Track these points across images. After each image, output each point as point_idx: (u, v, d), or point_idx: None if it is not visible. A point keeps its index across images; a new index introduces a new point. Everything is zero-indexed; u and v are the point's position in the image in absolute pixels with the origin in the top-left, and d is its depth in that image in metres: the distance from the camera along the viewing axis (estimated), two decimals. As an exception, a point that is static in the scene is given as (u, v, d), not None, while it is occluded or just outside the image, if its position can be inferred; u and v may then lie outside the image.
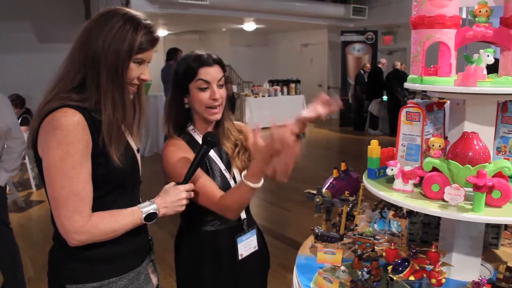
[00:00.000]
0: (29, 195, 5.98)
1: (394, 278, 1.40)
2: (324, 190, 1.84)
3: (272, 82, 12.20)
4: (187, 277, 1.69)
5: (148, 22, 1.29)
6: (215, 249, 1.61)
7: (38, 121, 1.22)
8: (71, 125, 1.17)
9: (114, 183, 1.30)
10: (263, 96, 11.43)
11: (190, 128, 1.64)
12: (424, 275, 1.43)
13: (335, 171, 1.92)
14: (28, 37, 8.76)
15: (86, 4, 8.98)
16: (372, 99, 10.32)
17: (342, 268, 1.61)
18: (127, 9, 1.29)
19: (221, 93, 1.57)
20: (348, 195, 1.86)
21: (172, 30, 13.02)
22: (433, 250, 1.46)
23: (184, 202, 1.37)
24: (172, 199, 1.34)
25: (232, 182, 1.61)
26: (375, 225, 1.97)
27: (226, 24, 12.11)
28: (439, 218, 1.75)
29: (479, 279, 1.42)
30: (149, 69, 1.36)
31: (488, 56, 1.42)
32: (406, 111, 1.60)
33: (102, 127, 1.23)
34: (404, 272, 1.40)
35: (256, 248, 1.70)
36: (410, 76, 1.55)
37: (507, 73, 1.43)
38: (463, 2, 1.54)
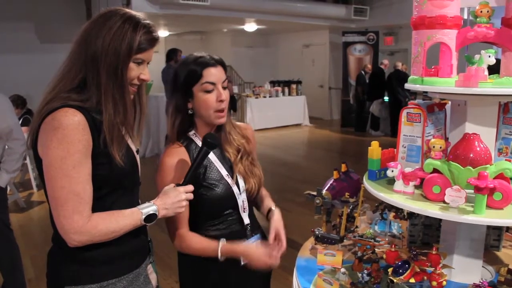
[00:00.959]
0: (30, 195, 5.98)
1: (395, 281, 1.39)
2: (324, 191, 1.83)
3: (273, 83, 12.19)
4: (190, 281, 1.68)
5: (148, 22, 1.29)
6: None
7: (38, 121, 1.21)
8: (71, 124, 1.17)
9: (114, 183, 1.30)
10: (264, 97, 11.42)
11: (191, 133, 1.61)
12: (425, 277, 1.42)
13: (335, 172, 1.91)
14: (29, 37, 8.77)
15: (87, 4, 8.99)
16: (373, 100, 10.31)
17: (342, 270, 1.60)
18: (127, 10, 1.29)
19: (226, 95, 1.55)
20: (348, 196, 1.85)
21: (173, 30, 13.02)
22: (433, 252, 1.44)
23: (184, 203, 1.36)
24: (172, 200, 1.33)
25: (235, 188, 1.59)
26: (376, 227, 1.96)
27: (227, 25, 12.11)
28: (440, 220, 1.74)
29: (480, 281, 1.41)
30: (150, 70, 1.36)
31: (489, 56, 1.41)
32: (407, 112, 1.59)
33: (103, 128, 1.23)
34: (405, 275, 1.39)
35: None
36: (411, 77, 1.55)
37: (509, 74, 1.42)
38: (464, 2, 1.54)
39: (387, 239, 1.79)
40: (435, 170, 1.43)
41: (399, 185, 1.51)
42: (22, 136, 2.97)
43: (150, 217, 1.30)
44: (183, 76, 1.53)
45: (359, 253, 1.68)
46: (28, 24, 8.76)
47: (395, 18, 10.69)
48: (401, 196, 1.48)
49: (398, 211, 1.91)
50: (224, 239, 1.55)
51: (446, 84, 1.43)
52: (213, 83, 1.51)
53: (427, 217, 1.78)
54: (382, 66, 10.44)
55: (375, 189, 1.55)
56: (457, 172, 1.37)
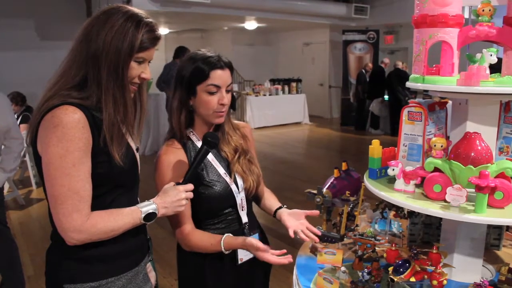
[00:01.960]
0: (30, 193, 5.97)
1: (395, 279, 1.39)
2: (324, 190, 1.83)
3: (273, 81, 12.18)
4: (189, 278, 1.68)
5: (150, 20, 1.28)
6: (216, 252, 1.58)
7: (38, 118, 1.21)
8: (71, 122, 1.16)
9: (114, 182, 1.29)
10: (264, 95, 11.42)
11: (188, 130, 1.60)
12: (425, 276, 1.42)
13: (336, 171, 1.91)
14: (29, 34, 8.76)
15: (88, 2, 8.98)
16: (374, 99, 10.31)
17: (343, 268, 1.60)
18: (129, 7, 1.28)
19: (228, 98, 1.54)
20: (349, 195, 1.85)
21: (173, 28, 13.00)
22: (434, 251, 1.45)
23: (184, 202, 1.35)
24: (171, 199, 1.33)
25: (233, 187, 1.59)
26: (376, 226, 1.96)
27: (227, 23, 12.09)
28: (440, 218, 1.74)
29: (481, 280, 1.41)
30: (151, 68, 1.35)
31: (491, 55, 1.41)
32: (408, 111, 1.58)
33: (103, 126, 1.22)
34: (405, 274, 1.39)
35: None
36: (412, 76, 1.54)
37: (510, 73, 1.42)
38: (466, 1, 1.53)
39: (387, 238, 1.79)
40: (436, 169, 1.43)
41: (399, 184, 1.51)
42: (20, 135, 2.96)
43: (150, 216, 1.29)
44: (189, 72, 1.51)
45: (360, 252, 1.68)
46: (28, 22, 8.74)
47: (395, 17, 10.68)
48: (402, 195, 1.48)
49: (398, 210, 1.91)
50: (229, 233, 1.54)
51: (447, 82, 1.43)
52: (218, 86, 1.50)
53: (427, 216, 1.78)
54: (382, 65, 10.43)
55: (376, 188, 1.55)
56: (458, 171, 1.37)
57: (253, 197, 1.73)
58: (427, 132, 1.55)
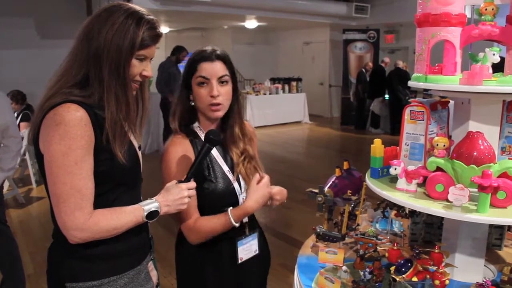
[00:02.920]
0: (29, 191, 5.97)
1: (397, 279, 1.39)
2: (326, 189, 1.82)
3: (273, 80, 12.17)
4: (188, 278, 1.67)
5: (151, 17, 1.27)
6: (216, 250, 1.58)
7: (40, 117, 1.20)
8: (73, 120, 1.16)
9: (116, 180, 1.29)
10: (264, 94, 11.41)
11: (195, 125, 1.62)
12: (427, 276, 1.41)
13: (337, 170, 1.91)
14: (29, 33, 8.74)
15: (88, 1, 8.96)
16: (374, 98, 10.30)
17: (344, 268, 1.60)
18: (130, 5, 1.28)
19: (222, 91, 1.53)
20: (350, 194, 1.84)
21: (173, 27, 12.99)
22: (436, 251, 1.44)
23: (186, 200, 1.35)
24: (174, 197, 1.33)
25: (236, 185, 1.59)
26: (377, 225, 1.96)
27: (228, 22, 12.09)
28: (442, 218, 1.74)
29: (483, 280, 1.40)
30: (152, 66, 1.35)
31: (494, 54, 1.41)
32: (410, 110, 1.58)
33: (105, 124, 1.22)
34: (407, 273, 1.39)
35: (257, 252, 1.67)
36: (414, 75, 1.54)
37: (513, 72, 1.41)
38: (469, 0, 1.53)
39: (388, 237, 1.79)
40: (438, 169, 1.42)
41: (402, 183, 1.50)
42: (18, 134, 2.94)
43: (152, 214, 1.29)
44: (186, 68, 1.57)
45: (361, 251, 1.68)
46: (28, 20, 8.73)
47: (396, 16, 10.67)
48: (404, 194, 1.48)
49: (399, 209, 1.90)
50: (231, 207, 1.54)
51: (450, 82, 1.42)
52: (206, 78, 1.52)
53: (428, 215, 1.77)
54: (382, 64, 10.42)
55: (378, 187, 1.54)
56: (460, 170, 1.36)
57: None
58: (429, 131, 1.54)
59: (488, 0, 1.44)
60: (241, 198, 1.60)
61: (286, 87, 11.85)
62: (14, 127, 2.93)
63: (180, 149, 1.55)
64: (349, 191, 1.85)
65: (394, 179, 1.56)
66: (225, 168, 1.59)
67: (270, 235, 1.86)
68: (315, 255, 1.78)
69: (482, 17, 1.44)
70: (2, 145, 2.89)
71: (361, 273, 1.55)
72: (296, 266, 1.76)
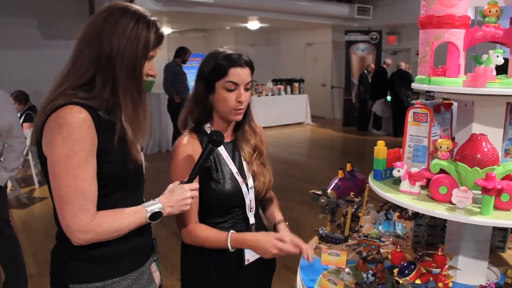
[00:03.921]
0: (32, 191, 5.98)
1: (400, 281, 1.38)
2: (329, 191, 1.82)
3: (275, 81, 12.17)
4: (192, 278, 1.67)
5: (154, 18, 1.29)
6: (221, 252, 1.57)
7: (43, 118, 1.20)
8: (76, 122, 1.16)
9: (119, 181, 1.29)
10: (267, 95, 11.41)
11: (207, 126, 1.61)
12: (431, 278, 1.41)
13: (340, 171, 1.90)
14: (32, 33, 8.76)
15: (91, 1, 8.98)
16: (376, 99, 10.30)
17: (347, 270, 1.59)
18: (133, 6, 1.28)
19: (246, 96, 1.54)
20: (353, 196, 1.84)
21: (176, 28, 13.00)
22: (439, 253, 1.44)
23: (189, 201, 1.35)
24: (177, 198, 1.33)
25: (243, 187, 1.58)
26: (380, 227, 1.95)
27: (230, 23, 12.09)
28: (445, 220, 1.73)
29: (487, 283, 1.40)
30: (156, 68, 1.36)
31: (497, 56, 1.40)
32: (413, 112, 1.58)
33: (116, 126, 1.23)
34: (411, 276, 1.38)
35: None
36: (417, 77, 1.53)
37: (517, 74, 1.41)
38: (472, 2, 1.52)
39: (391, 239, 1.79)
40: (442, 171, 1.42)
41: (405, 185, 1.50)
42: (22, 134, 2.95)
43: (155, 215, 1.29)
44: (209, 69, 1.52)
45: (364, 253, 1.67)
46: (31, 20, 8.75)
47: (398, 17, 10.67)
48: (407, 197, 1.47)
49: (402, 211, 1.90)
50: (233, 230, 1.53)
51: (453, 84, 1.42)
52: (236, 83, 1.51)
53: (431, 217, 1.77)
54: (384, 66, 10.42)
55: (381, 189, 1.54)
56: (464, 172, 1.36)
57: (260, 201, 1.72)
58: (432, 133, 1.54)
59: (492, 2, 1.43)
60: (247, 199, 1.60)
61: (288, 88, 11.85)
62: (18, 127, 2.94)
63: (191, 148, 1.55)
64: (352, 193, 1.85)
65: (397, 181, 1.55)
66: (234, 170, 1.59)
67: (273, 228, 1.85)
68: (318, 256, 1.78)
69: (486, 19, 1.44)
70: (6, 145, 2.90)
71: (364, 275, 1.54)
72: (298, 268, 1.75)
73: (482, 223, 1.29)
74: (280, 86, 11.76)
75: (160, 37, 1.29)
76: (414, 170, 1.49)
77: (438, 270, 1.40)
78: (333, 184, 1.85)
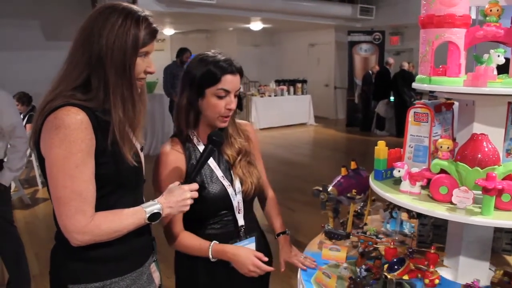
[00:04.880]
0: (35, 192, 6.00)
1: (389, 276, 1.40)
2: (330, 187, 1.82)
3: (278, 82, 12.18)
4: (184, 280, 1.68)
5: (146, 13, 1.27)
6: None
7: (41, 120, 1.20)
8: (74, 123, 1.15)
9: (117, 182, 1.29)
10: (270, 96, 11.41)
11: (190, 131, 1.59)
12: (419, 275, 1.43)
13: (343, 169, 1.90)
14: (35, 35, 8.80)
15: (94, 3, 9.01)
16: (379, 100, 10.28)
17: (344, 265, 1.63)
18: (124, 4, 1.27)
19: (235, 103, 1.55)
20: (355, 193, 1.83)
21: (178, 29, 13.03)
22: (432, 251, 1.46)
23: (189, 202, 1.35)
24: (176, 198, 1.32)
25: (230, 190, 1.58)
26: (388, 225, 1.96)
27: (233, 24, 12.10)
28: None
29: (472, 282, 1.40)
30: (156, 69, 1.36)
31: (498, 56, 1.39)
32: (414, 112, 1.57)
33: (110, 127, 1.22)
34: (399, 271, 1.41)
35: None
36: (418, 76, 1.53)
37: (518, 74, 1.40)
38: (473, 1, 1.52)
39: (397, 238, 1.80)
40: (442, 171, 1.41)
41: (405, 185, 1.49)
42: (24, 134, 2.96)
43: (154, 216, 1.29)
44: (200, 75, 1.50)
45: (361, 249, 1.69)
46: (33, 22, 8.79)
47: (401, 18, 10.65)
48: (408, 197, 1.47)
49: (409, 210, 1.89)
50: (216, 241, 1.55)
51: (454, 83, 1.41)
52: (227, 91, 1.51)
53: (436, 217, 1.76)
54: (387, 66, 10.39)
55: (382, 189, 1.54)
56: (464, 172, 1.35)
57: (257, 197, 1.73)
58: (433, 133, 1.53)
59: (493, 1, 1.43)
60: (235, 201, 1.59)
61: (291, 88, 11.85)
62: (21, 127, 2.95)
63: (173, 157, 1.54)
64: (354, 190, 1.84)
65: (398, 181, 1.55)
66: (219, 174, 1.58)
67: (274, 237, 1.85)
68: (320, 251, 1.79)
69: (487, 18, 1.43)
70: (9, 145, 2.91)
71: (357, 269, 1.55)
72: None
73: (483, 223, 1.29)
74: (283, 87, 11.76)
75: (153, 32, 1.27)
76: (414, 170, 1.48)
77: (426, 267, 1.42)
78: (335, 181, 1.85)
